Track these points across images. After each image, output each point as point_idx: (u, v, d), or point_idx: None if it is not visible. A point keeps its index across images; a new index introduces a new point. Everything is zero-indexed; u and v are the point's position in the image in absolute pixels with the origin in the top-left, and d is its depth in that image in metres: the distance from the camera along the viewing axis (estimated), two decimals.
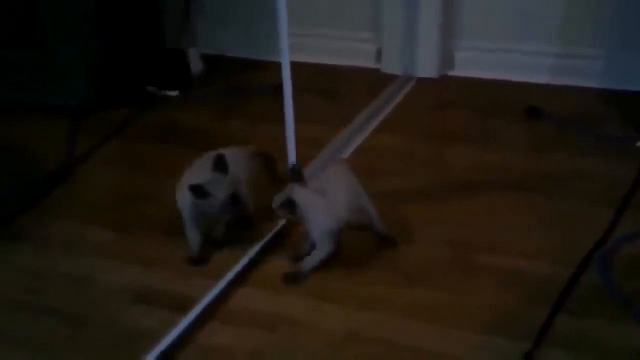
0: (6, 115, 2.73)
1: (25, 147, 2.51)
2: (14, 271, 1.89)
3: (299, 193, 1.74)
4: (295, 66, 1.93)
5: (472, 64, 2.90)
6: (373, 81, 2.92)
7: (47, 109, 2.70)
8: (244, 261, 1.83)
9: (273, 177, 2.08)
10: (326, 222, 1.76)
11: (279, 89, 1.95)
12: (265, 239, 1.92)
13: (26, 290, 1.81)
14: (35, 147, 2.51)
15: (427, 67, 2.92)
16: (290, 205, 1.73)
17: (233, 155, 1.90)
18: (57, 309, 1.74)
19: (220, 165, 1.81)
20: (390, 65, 2.98)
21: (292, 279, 1.78)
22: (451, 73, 2.95)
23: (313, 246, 1.80)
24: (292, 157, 2.03)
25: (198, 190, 1.76)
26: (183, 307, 1.68)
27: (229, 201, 1.79)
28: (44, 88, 2.73)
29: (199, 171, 1.83)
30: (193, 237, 1.88)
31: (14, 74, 2.74)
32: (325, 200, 1.75)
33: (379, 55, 3.02)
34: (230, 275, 1.79)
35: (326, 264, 1.80)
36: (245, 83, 2.99)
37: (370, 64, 3.04)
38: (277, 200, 1.74)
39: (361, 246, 1.90)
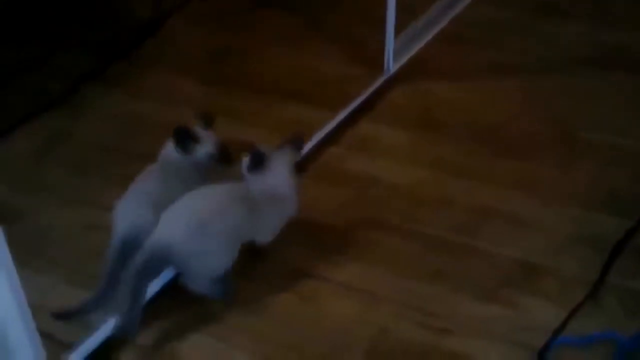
0: None
1: None
2: (109, 116, 1.91)
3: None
4: None
5: None
6: None
7: None
8: (335, 122, 1.82)
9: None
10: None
11: None
12: (357, 102, 1.89)
13: (121, 136, 1.84)
14: None
15: None
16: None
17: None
18: (151, 154, 1.74)
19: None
20: None
21: None
22: None
23: None
24: (390, 25, 1.93)
25: (184, 135, 1.45)
26: None
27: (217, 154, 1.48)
28: None
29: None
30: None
31: None
32: None
33: None
34: (321, 134, 1.78)
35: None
36: None
37: None
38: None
39: (455, 121, 1.85)
